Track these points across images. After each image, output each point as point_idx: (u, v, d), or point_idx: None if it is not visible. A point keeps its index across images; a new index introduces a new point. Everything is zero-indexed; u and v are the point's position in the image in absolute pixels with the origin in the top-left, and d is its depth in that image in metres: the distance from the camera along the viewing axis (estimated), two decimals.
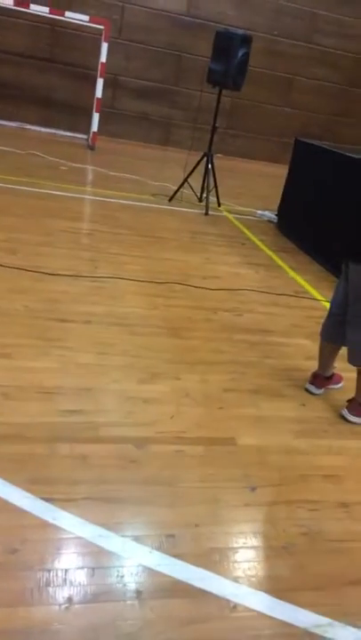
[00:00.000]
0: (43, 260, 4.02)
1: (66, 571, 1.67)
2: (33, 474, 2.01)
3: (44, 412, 2.37)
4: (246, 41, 6.15)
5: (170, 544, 1.82)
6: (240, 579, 1.74)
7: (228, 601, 1.66)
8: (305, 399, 2.84)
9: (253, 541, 1.91)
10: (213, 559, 1.79)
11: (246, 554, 1.85)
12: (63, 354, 2.85)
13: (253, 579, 1.75)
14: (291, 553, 1.87)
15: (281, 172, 6.78)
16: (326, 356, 2.88)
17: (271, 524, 1.98)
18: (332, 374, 2.95)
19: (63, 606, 1.56)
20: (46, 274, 3.78)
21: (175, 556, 1.78)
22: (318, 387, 2.91)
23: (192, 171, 6.59)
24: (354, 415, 2.70)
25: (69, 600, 1.58)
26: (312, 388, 2.90)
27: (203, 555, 1.80)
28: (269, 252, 5.37)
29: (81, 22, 8.89)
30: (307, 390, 2.91)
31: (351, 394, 2.75)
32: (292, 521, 2.01)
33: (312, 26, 10.94)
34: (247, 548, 1.88)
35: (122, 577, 1.68)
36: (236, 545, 1.88)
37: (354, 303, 2.61)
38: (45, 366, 2.72)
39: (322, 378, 2.91)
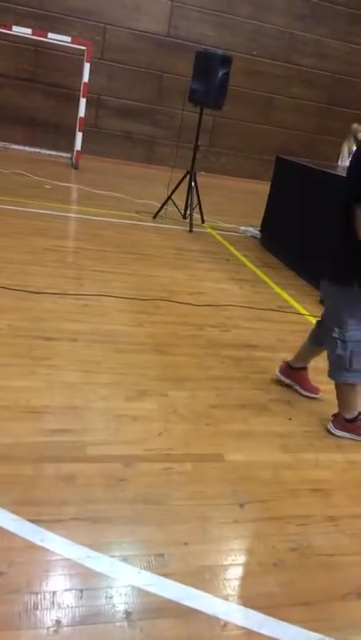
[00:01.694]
0: (27, 279, 4.01)
1: (54, 593, 1.64)
2: (19, 495, 1.99)
3: (29, 431, 2.35)
4: (226, 61, 6.27)
5: (159, 563, 1.80)
6: (230, 596, 1.73)
7: (218, 619, 1.64)
8: (292, 413, 2.85)
9: (243, 558, 1.90)
10: (203, 577, 1.78)
11: (236, 571, 1.84)
12: (49, 372, 2.84)
13: (244, 596, 1.74)
14: (280, 569, 1.86)
15: (263, 188, 6.86)
16: (303, 349, 2.99)
17: (260, 540, 1.98)
18: (299, 371, 3.02)
19: (51, 629, 1.54)
20: (31, 292, 3.77)
21: (164, 575, 1.76)
22: (281, 372, 3.06)
23: (175, 188, 6.64)
24: (339, 429, 2.72)
25: (58, 623, 1.56)
26: (278, 373, 3.09)
27: (192, 573, 1.79)
28: (253, 268, 5.41)
29: (64, 43, 9.00)
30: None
31: (336, 408, 2.76)
32: (281, 536, 2.01)
33: (290, 46, 11.18)
34: (237, 565, 1.87)
35: (110, 598, 1.66)
36: (225, 562, 1.87)
37: (326, 318, 2.72)
38: (31, 385, 2.70)
39: (287, 366, 3.03)
